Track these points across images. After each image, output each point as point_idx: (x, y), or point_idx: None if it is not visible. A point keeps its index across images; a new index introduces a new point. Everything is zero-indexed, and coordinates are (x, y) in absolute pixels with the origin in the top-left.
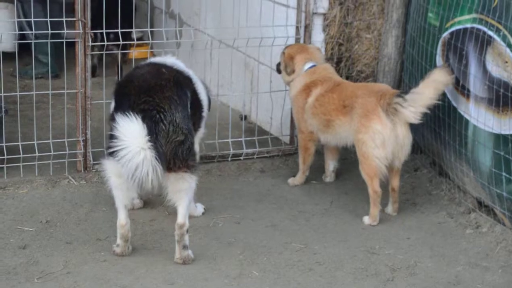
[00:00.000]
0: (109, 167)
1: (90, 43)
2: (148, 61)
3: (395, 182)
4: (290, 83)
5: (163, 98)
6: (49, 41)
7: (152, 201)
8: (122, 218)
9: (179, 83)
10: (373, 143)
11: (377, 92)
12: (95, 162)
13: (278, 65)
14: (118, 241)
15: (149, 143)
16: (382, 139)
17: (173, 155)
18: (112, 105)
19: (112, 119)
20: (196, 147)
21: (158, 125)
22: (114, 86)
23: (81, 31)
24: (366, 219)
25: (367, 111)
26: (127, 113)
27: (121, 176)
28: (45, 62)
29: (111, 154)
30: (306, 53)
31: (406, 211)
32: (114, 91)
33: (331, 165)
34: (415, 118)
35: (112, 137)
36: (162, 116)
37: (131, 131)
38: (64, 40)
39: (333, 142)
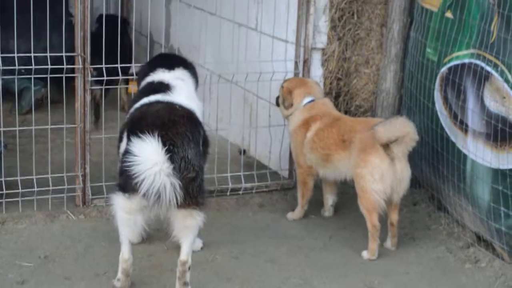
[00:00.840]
0: (118, 201)
1: (90, 78)
2: (155, 98)
3: (394, 217)
4: (289, 117)
5: (176, 134)
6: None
7: (150, 236)
8: (125, 252)
9: (193, 120)
10: (371, 177)
11: None
12: (94, 197)
13: (277, 98)
14: (119, 275)
15: (166, 156)
16: (380, 173)
17: (184, 192)
18: (124, 142)
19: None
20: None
21: (173, 157)
22: (126, 123)
23: (80, 66)
24: (365, 254)
25: (366, 146)
26: (142, 135)
27: (129, 212)
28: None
29: (121, 188)
30: (304, 87)
31: (405, 246)
32: (127, 128)
33: (329, 199)
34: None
35: (122, 173)
36: (175, 150)
37: (148, 147)
38: (63, 75)
39: (331, 177)
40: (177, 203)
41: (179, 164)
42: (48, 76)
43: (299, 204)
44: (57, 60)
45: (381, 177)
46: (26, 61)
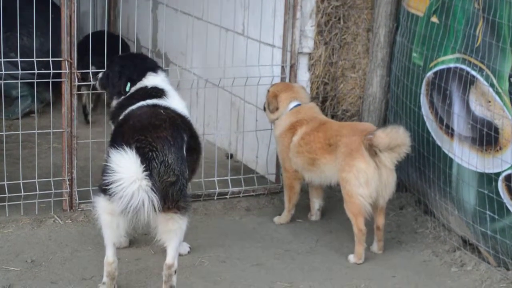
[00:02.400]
0: (100, 204)
1: (77, 83)
2: (147, 102)
3: (380, 221)
4: (275, 122)
5: (156, 138)
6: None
7: (138, 240)
8: (110, 255)
9: (176, 124)
10: (357, 181)
11: (362, 131)
12: (81, 201)
13: (265, 103)
14: (105, 279)
15: (145, 173)
16: (366, 177)
17: (164, 195)
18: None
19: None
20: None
21: (151, 163)
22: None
23: (67, 71)
24: (352, 258)
25: (351, 150)
26: (120, 148)
27: (112, 214)
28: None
29: (103, 190)
30: (291, 91)
31: (391, 249)
32: (113, 131)
33: (316, 203)
34: (391, 164)
35: (105, 170)
36: (154, 155)
37: (125, 162)
38: (50, 80)
39: (317, 181)
40: (156, 212)
41: (159, 168)
42: (35, 81)
43: (286, 208)
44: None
45: (366, 182)
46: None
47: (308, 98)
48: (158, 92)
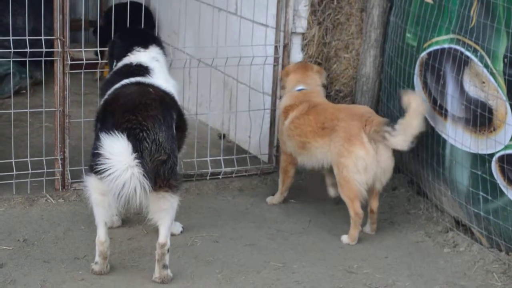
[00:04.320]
0: (91, 183)
1: (69, 62)
2: (135, 79)
3: (374, 204)
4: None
5: (146, 117)
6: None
7: (130, 220)
8: (101, 235)
9: (165, 103)
10: (355, 168)
11: (360, 116)
12: (73, 181)
13: None
14: (97, 258)
15: (136, 160)
16: (364, 164)
17: (155, 174)
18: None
19: (96, 138)
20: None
21: (142, 144)
22: (102, 104)
23: (59, 49)
24: (345, 238)
25: (350, 136)
26: (111, 132)
27: (103, 193)
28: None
29: (94, 170)
30: (301, 74)
31: (384, 230)
32: (100, 109)
33: (331, 191)
34: (405, 146)
35: (95, 155)
36: (145, 134)
37: (117, 149)
38: (42, 59)
39: (309, 164)
40: (147, 195)
41: (150, 147)
42: (27, 59)
43: (279, 190)
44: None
45: (364, 168)
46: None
47: (319, 83)
48: (141, 70)
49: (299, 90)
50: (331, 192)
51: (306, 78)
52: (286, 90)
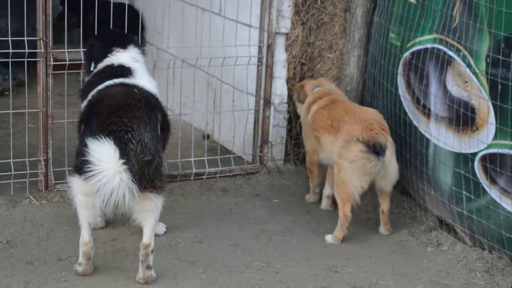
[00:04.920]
0: (75, 184)
1: (52, 62)
2: (119, 81)
3: (385, 205)
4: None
5: (132, 118)
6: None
7: (114, 221)
8: (85, 235)
9: (150, 104)
10: (351, 171)
11: (364, 120)
12: (56, 182)
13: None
14: (80, 259)
15: (124, 166)
16: (361, 169)
17: (140, 174)
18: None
19: (80, 139)
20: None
21: (128, 146)
22: (86, 105)
23: (42, 50)
24: (329, 238)
25: (352, 139)
26: (97, 136)
27: (87, 194)
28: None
29: (78, 171)
30: (316, 81)
31: (368, 230)
32: (84, 110)
33: (327, 189)
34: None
35: (83, 161)
36: (130, 136)
37: (105, 155)
38: (25, 60)
39: (326, 161)
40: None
41: (136, 148)
42: (10, 60)
43: (311, 188)
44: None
45: (361, 173)
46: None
47: (333, 86)
48: (124, 71)
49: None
50: (324, 205)
51: (321, 82)
52: (306, 96)
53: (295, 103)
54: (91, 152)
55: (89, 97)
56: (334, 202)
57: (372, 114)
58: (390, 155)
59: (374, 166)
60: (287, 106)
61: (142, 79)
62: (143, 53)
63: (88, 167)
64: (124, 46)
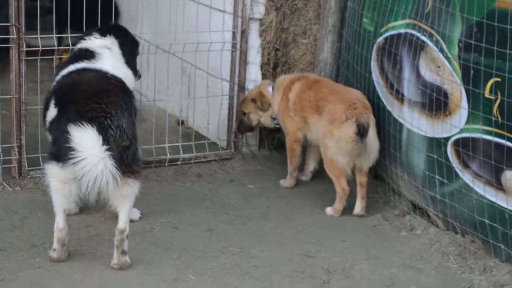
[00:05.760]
0: (51, 171)
1: (25, 48)
2: (80, 66)
3: (363, 178)
4: (274, 103)
5: (109, 103)
6: None
7: (88, 207)
8: (60, 222)
9: (124, 88)
10: (336, 149)
11: (347, 100)
12: (30, 168)
13: (242, 122)
14: (55, 245)
15: (108, 152)
16: (345, 147)
17: (119, 160)
18: (53, 111)
19: (54, 126)
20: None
21: (108, 132)
22: (54, 90)
23: (15, 36)
24: (329, 210)
25: (334, 119)
26: (78, 123)
27: (63, 181)
28: None
29: (54, 157)
30: (263, 84)
31: (342, 214)
32: (55, 96)
33: (311, 165)
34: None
35: (57, 143)
36: (109, 121)
37: (88, 142)
38: None
39: (314, 142)
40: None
41: (115, 133)
42: None
43: (289, 171)
44: None
45: (345, 151)
46: None
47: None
48: (87, 54)
49: (272, 86)
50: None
51: (267, 84)
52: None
53: (249, 121)
54: (74, 139)
55: (55, 81)
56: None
57: (354, 94)
58: (372, 135)
59: (358, 149)
60: None
61: (106, 64)
62: (123, 45)
63: (70, 154)
64: (103, 34)
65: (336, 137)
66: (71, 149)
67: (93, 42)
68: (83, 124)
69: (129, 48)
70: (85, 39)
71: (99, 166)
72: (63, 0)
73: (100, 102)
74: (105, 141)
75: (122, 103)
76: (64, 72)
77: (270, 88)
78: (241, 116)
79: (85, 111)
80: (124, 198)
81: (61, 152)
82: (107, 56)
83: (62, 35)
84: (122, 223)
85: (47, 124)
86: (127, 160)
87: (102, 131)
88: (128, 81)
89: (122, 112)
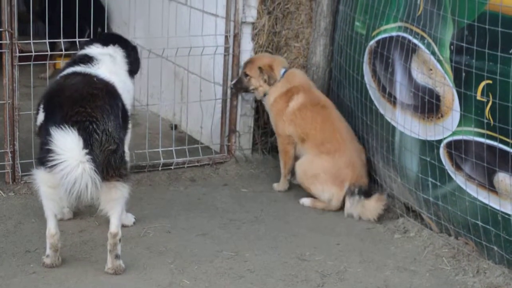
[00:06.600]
0: (40, 176)
1: (18, 54)
2: (73, 70)
3: None
4: (269, 91)
5: (95, 108)
6: None
7: (81, 212)
8: (52, 227)
9: (111, 92)
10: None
11: (350, 158)
12: (23, 174)
13: (239, 82)
14: (48, 251)
15: (87, 156)
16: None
17: (106, 164)
18: (41, 115)
19: (42, 130)
20: (127, 157)
21: (92, 136)
22: (43, 94)
23: (8, 41)
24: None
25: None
26: (61, 126)
27: (52, 186)
28: None
29: (42, 163)
30: (278, 60)
31: (335, 218)
32: (44, 101)
33: None
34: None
35: (44, 147)
36: (95, 126)
37: (68, 145)
38: None
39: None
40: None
41: (101, 138)
42: None
43: (282, 174)
44: None
45: None
46: None
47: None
48: (85, 59)
49: (285, 72)
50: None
51: (280, 62)
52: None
53: (247, 84)
54: (54, 141)
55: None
56: None
57: (356, 157)
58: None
59: None
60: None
61: (103, 69)
62: (127, 55)
63: (51, 157)
64: (105, 43)
65: (328, 192)
66: (51, 152)
67: (95, 49)
68: (67, 128)
69: (134, 55)
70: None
71: (78, 170)
72: (53, 6)
73: (86, 106)
74: (89, 145)
75: (108, 107)
76: (58, 76)
77: (282, 70)
78: (242, 76)
79: (70, 115)
80: (114, 202)
81: (46, 156)
82: (105, 62)
83: (55, 40)
84: (114, 227)
85: (37, 128)
86: (114, 164)
87: (86, 135)
88: (125, 88)
89: (108, 116)
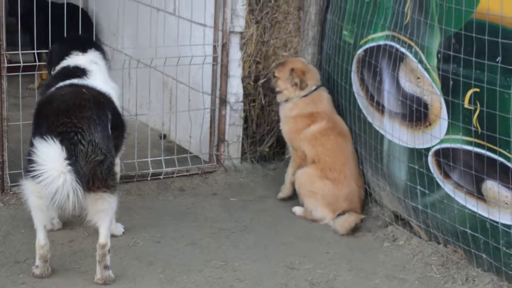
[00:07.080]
0: (28, 187)
1: (6, 64)
2: (70, 82)
3: None
4: (291, 99)
5: (81, 118)
6: None
7: (71, 222)
8: (41, 238)
9: (100, 103)
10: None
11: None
12: (12, 184)
13: (267, 82)
14: (37, 262)
15: (69, 167)
16: None
17: (92, 175)
18: (32, 126)
19: (30, 139)
20: (117, 168)
21: (77, 147)
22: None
23: None
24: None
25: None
26: (45, 137)
27: (40, 197)
28: None
29: (28, 174)
30: (312, 72)
31: (324, 227)
32: (35, 112)
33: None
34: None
35: (30, 160)
36: (80, 136)
37: (50, 155)
38: None
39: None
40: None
41: (86, 149)
42: None
43: (287, 180)
44: None
45: None
46: None
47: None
48: (78, 72)
49: (315, 89)
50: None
51: (316, 75)
52: (305, 89)
53: (274, 84)
54: (37, 152)
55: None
56: None
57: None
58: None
59: None
60: (242, 105)
61: (97, 79)
62: (105, 57)
63: (32, 167)
64: (84, 49)
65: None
66: (34, 162)
67: (79, 58)
68: (50, 139)
69: (107, 55)
70: (66, 59)
71: (60, 180)
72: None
73: (72, 117)
74: (73, 156)
75: (95, 118)
76: (52, 88)
77: (313, 86)
78: (271, 76)
79: (55, 126)
80: (102, 213)
81: (30, 166)
82: (97, 72)
83: (42, 51)
84: (103, 238)
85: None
86: (101, 175)
87: (71, 145)
88: (115, 94)
89: (95, 127)
